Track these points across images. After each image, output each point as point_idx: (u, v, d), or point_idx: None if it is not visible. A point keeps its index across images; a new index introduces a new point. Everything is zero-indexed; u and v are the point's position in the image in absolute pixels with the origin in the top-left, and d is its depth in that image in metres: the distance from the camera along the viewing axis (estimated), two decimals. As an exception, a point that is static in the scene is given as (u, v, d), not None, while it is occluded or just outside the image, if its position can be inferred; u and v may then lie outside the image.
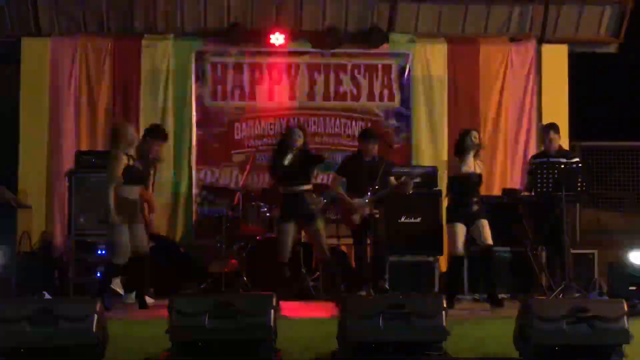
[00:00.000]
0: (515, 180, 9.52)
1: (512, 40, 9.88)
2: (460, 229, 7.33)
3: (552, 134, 8.03)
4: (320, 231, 7.44)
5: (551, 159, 7.88)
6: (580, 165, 7.76)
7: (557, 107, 9.62)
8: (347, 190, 7.76)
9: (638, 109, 10.82)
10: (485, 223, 7.34)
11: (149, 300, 7.23)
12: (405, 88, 9.74)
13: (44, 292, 7.41)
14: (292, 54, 9.68)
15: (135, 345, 5.26)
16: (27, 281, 7.96)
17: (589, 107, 10.17)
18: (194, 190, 9.46)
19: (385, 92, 9.75)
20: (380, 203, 7.60)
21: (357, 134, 8.93)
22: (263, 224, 8.52)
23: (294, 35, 9.59)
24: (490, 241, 7.32)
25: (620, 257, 7.86)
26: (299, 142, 7.39)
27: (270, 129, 9.62)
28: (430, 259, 8.45)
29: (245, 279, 8.11)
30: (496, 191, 9.23)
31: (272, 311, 4.65)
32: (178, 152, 9.47)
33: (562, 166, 7.64)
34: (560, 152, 8.08)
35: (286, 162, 7.28)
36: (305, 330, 5.81)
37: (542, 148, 8.43)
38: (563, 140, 8.50)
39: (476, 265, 7.85)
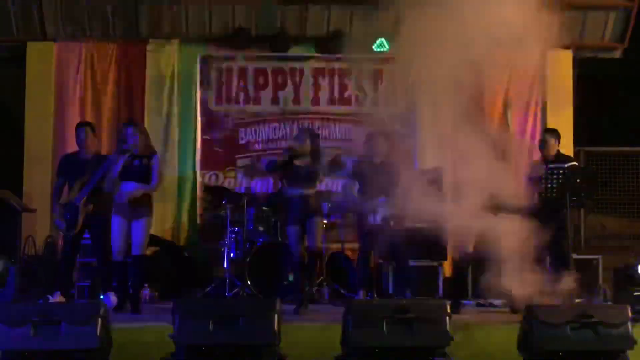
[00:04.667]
0: (519, 185, 9.50)
1: (517, 45, 9.87)
2: None
3: (546, 137, 7.88)
4: (317, 224, 7.38)
5: (550, 165, 7.71)
6: (583, 170, 7.71)
7: (561, 112, 9.60)
8: (362, 193, 7.73)
9: (643, 114, 10.80)
10: None
11: None
12: (410, 93, 9.73)
13: (48, 296, 7.42)
14: (296, 59, 9.69)
15: (138, 349, 5.28)
16: (31, 285, 7.97)
17: (593, 112, 10.14)
18: (199, 195, 9.47)
19: (390, 96, 9.74)
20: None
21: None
22: (267, 229, 8.52)
23: (298, 40, 9.61)
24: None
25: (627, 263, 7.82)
26: (299, 145, 7.37)
27: (275, 133, 9.63)
28: (434, 264, 8.44)
29: (249, 283, 8.11)
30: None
31: (276, 316, 4.66)
32: (182, 156, 9.49)
33: (566, 172, 7.56)
34: (559, 157, 7.92)
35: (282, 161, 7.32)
36: (309, 335, 5.80)
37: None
38: (568, 146, 8.44)
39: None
